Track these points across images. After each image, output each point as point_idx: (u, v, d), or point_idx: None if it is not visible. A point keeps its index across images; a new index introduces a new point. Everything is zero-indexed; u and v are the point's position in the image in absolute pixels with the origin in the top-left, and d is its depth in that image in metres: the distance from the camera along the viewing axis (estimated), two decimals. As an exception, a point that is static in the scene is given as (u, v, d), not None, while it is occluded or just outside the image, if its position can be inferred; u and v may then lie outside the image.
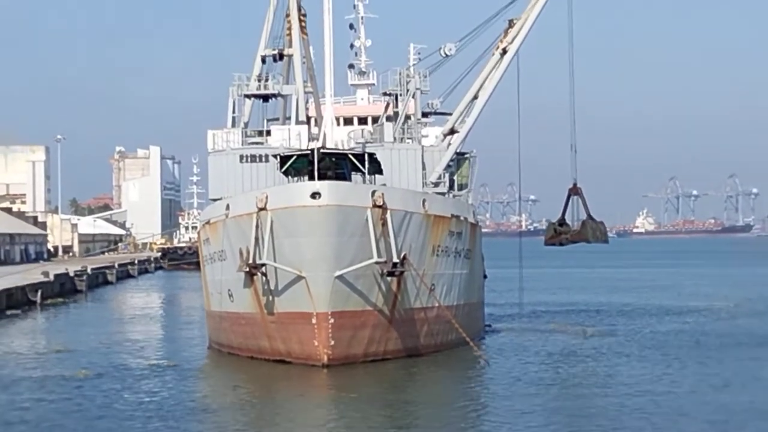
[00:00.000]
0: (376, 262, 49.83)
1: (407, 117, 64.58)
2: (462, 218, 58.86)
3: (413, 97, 64.50)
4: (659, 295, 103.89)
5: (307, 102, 65.34)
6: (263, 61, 65.04)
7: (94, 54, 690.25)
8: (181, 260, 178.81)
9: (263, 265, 50.79)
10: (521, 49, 66.39)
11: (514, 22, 66.28)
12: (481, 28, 66.54)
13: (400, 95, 64.74)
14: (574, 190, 66.61)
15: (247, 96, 64.80)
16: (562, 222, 68.03)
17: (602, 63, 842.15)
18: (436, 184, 63.32)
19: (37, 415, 39.67)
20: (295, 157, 53.83)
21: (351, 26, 72.62)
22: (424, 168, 62.77)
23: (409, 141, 63.84)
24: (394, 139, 62.84)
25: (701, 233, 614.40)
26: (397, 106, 65.91)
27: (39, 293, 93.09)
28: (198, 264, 68.79)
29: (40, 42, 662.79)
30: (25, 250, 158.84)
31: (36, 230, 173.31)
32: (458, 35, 67.00)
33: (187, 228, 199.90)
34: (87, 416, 39.19)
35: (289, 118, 66.31)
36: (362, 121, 69.40)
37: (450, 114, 67.79)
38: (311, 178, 51.15)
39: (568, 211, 68.02)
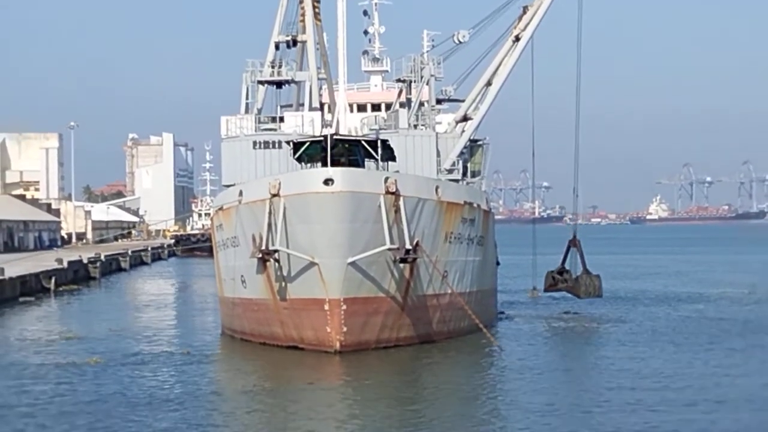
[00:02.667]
0: (389, 249, 49.76)
1: (421, 104, 64.50)
2: (475, 205, 58.78)
3: (427, 83, 64.38)
4: (673, 282, 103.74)
5: (320, 88, 65.31)
6: (277, 47, 64.97)
7: (107, 40, 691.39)
8: (195, 247, 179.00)
9: (276, 251, 50.76)
10: (536, 35, 66.36)
11: (528, 8, 66.18)
12: (495, 15, 66.50)
13: (414, 82, 64.64)
14: (573, 243, 67.59)
15: (261, 82, 64.77)
16: (561, 271, 68.62)
17: (617, 49, 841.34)
18: (450, 171, 63.24)
19: (47, 402, 39.56)
20: (308, 144, 53.80)
21: (365, 12, 72.55)
22: (438, 155, 62.70)
23: (423, 128, 63.74)
24: (409, 125, 62.73)
25: (715, 220, 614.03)
26: (410, 93, 65.86)
27: (53, 280, 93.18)
28: (211, 251, 68.82)
29: (53, 28, 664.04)
30: (38, 237, 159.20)
31: (50, 217, 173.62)
32: (473, 21, 66.93)
33: (200, 215, 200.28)
34: (97, 403, 39.09)
35: (303, 105, 66.25)
36: (376, 107, 69.37)
37: (463, 101, 67.72)
38: (324, 164, 51.08)
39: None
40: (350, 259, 49.54)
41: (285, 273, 51.60)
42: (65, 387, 42.68)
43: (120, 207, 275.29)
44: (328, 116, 62.47)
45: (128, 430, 34.94)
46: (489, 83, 65.90)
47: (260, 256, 51.59)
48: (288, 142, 56.51)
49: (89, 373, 45.77)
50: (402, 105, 65.92)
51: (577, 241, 67.58)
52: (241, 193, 54.08)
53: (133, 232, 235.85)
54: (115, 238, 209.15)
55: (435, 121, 65.40)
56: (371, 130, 62.14)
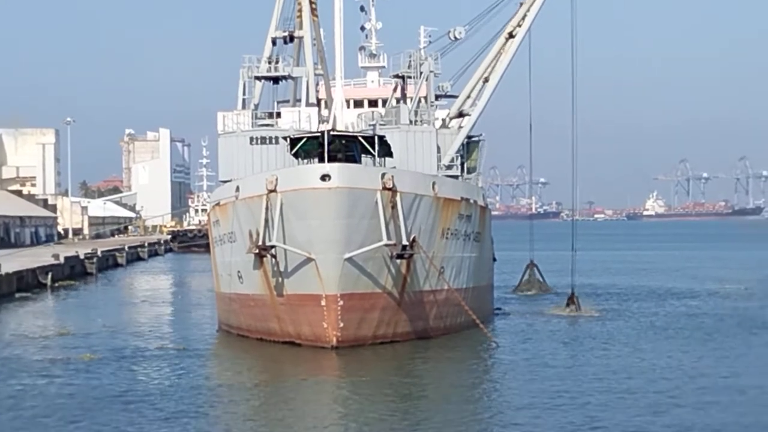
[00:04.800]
0: (386, 245, 49.77)
1: (419, 99, 64.29)
2: (472, 201, 58.79)
3: (426, 79, 64.16)
4: (669, 278, 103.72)
5: (317, 84, 65.24)
6: (274, 43, 64.95)
7: (104, 36, 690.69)
8: (191, 243, 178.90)
9: (273, 246, 50.77)
10: (533, 32, 66.42)
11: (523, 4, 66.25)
12: (491, 11, 66.44)
13: (412, 78, 64.44)
14: (572, 299, 68.59)
15: (258, 78, 64.71)
16: None
17: (613, 45, 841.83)
18: (449, 167, 63.15)
19: (36, 397, 39.46)
20: (305, 140, 53.74)
21: (362, 8, 72.52)
22: (438, 151, 62.63)
23: (421, 124, 63.55)
24: (410, 121, 62.53)
25: (711, 216, 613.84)
26: (405, 89, 65.73)
27: (49, 276, 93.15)
28: (208, 247, 68.79)
29: (49, 24, 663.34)
30: (35, 233, 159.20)
31: (46, 213, 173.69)
32: (470, 16, 66.91)
33: (196, 210, 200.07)
34: (87, 400, 38.97)
35: (300, 101, 66.20)
36: (372, 103, 69.31)
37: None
38: (321, 160, 51.06)
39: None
40: (347, 255, 49.53)
41: (282, 269, 51.58)
42: (56, 383, 42.59)
43: (116, 203, 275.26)
44: (324, 112, 62.43)
45: (120, 425, 34.82)
46: (486, 79, 65.84)
47: (257, 251, 51.58)
48: (285, 138, 56.43)
49: (82, 369, 45.70)
50: (397, 101, 65.83)
51: (576, 298, 68.34)
52: (238, 189, 54.04)
53: (130, 227, 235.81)
54: (112, 234, 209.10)
55: (434, 117, 65.32)
56: (369, 125, 62.04)
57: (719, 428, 34.35)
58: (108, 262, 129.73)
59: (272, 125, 62.99)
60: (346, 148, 53.67)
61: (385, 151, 56.00)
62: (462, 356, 50.78)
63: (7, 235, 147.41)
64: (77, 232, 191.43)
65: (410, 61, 64.07)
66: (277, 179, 50.25)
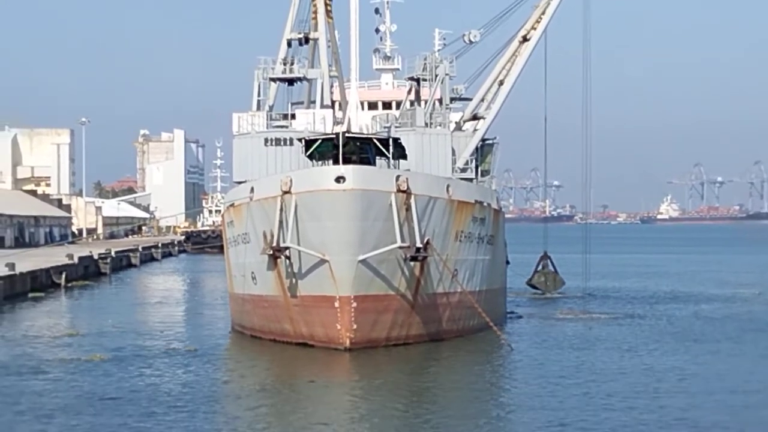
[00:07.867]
0: (400, 247, 49.78)
1: (434, 102, 64.29)
2: (485, 204, 58.77)
3: (441, 82, 64.14)
4: (683, 282, 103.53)
5: (331, 86, 65.29)
6: (289, 44, 65.04)
7: (119, 36, 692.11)
8: (205, 244, 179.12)
9: (287, 248, 50.81)
10: (548, 35, 66.44)
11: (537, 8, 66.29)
12: (506, 15, 66.46)
13: (426, 80, 64.43)
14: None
15: (273, 79, 64.78)
16: None
17: (629, 52, 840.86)
18: (464, 170, 63.16)
19: (46, 397, 39.36)
20: (319, 141, 53.80)
21: (376, 11, 72.69)
22: (453, 153, 62.62)
23: (433, 126, 63.56)
24: (425, 124, 62.53)
25: (726, 220, 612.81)
26: (420, 92, 65.71)
27: (63, 276, 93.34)
28: (221, 248, 68.90)
29: (64, 23, 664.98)
30: (49, 233, 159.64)
31: (60, 213, 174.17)
32: (485, 19, 66.95)
33: (210, 211, 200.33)
34: (96, 400, 38.88)
35: (314, 102, 66.29)
36: (386, 105, 69.39)
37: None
38: (336, 162, 51.08)
39: None
40: (361, 257, 49.56)
41: (296, 270, 51.63)
42: (65, 382, 42.53)
43: (130, 203, 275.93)
44: (339, 114, 62.49)
45: (129, 425, 34.82)
46: (500, 82, 65.82)
47: (271, 252, 51.64)
48: (299, 140, 56.52)
49: (92, 369, 45.64)
50: (411, 103, 65.86)
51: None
52: (252, 190, 54.12)
53: (144, 228, 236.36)
54: (126, 234, 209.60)
55: (449, 120, 65.33)
56: (384, 128, 62.07)
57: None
58: (122, 263, 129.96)
59: (287, 127, 63.09)
60: (360, 150, 53.71)
61: (400, 153, 56.05)
62: (475, 359, 50.76)
63: (22, 235, 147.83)
64: (91, 232, 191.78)
65: (425, 64, 64.07)
66: (291, 180, 50.32)
